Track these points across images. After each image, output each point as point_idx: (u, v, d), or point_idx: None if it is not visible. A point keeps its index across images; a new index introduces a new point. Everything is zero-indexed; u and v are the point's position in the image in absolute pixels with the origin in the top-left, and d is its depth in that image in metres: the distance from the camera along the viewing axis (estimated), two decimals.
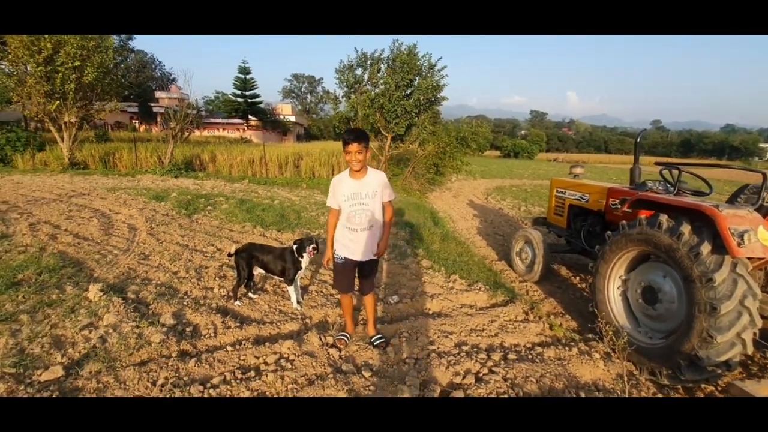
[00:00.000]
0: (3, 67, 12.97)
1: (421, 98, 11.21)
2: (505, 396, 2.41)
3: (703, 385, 2.75)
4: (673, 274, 2.87)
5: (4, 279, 3.58)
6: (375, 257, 2.83)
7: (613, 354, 2.92)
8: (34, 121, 16.73)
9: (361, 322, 3.28)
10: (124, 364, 2.47)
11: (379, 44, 16.07)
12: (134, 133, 27.28)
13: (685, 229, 2.69)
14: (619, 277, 3.35)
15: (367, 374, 2.53)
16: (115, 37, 28.73)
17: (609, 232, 3.40)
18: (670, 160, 3.71)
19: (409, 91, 11.50)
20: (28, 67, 12.55)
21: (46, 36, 12.00)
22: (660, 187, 3.63)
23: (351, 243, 2.75)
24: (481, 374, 2.64)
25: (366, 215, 2.69)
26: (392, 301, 3.68)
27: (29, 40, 11.98)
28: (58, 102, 12.81)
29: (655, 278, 3.01)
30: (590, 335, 3.34)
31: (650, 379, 2.82)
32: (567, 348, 3.08)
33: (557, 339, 3.30)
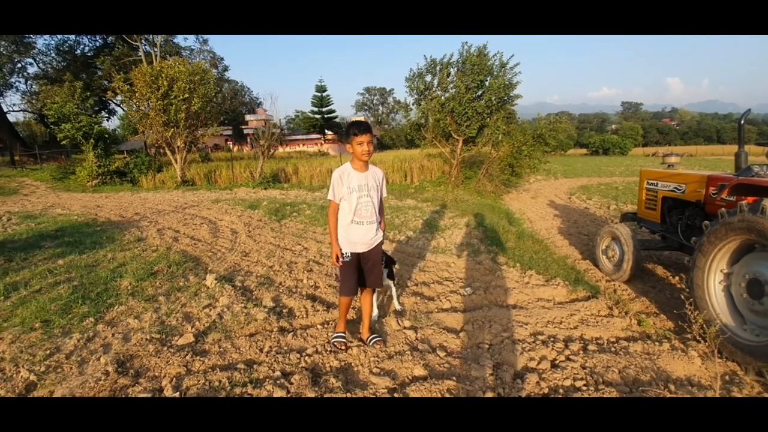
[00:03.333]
0: (132, 104, 15.69)
1: (493, 98, 11.03)
2: (582, 382, 2.39)
3: None
4: None
5: (145, 270, 4.46)
6: (380, 241, 2.82)
7: (702, 342, 2.65)
8: (153, 147, 19.86)
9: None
10: (237, 334, 2.97)
11: (448, 50, 16.04)
12: (230, 152, 30.80)
13: None
14: (721, 270, 3.05)
15: (441, 354, 2.69)
16: (214, 70, 32.89)
17: (707, 222, 3.13)
18: None
19: (480, 93, 11.39)
20: (150, 103, 15.03)
21: (163, 74, 14.29)
22: None
23: (357, 237, 2.71)
24: (557, 361, 2.64)
25: (372, 207, 2.72)
26: (465, 293, 3.78)
27: (150, 79, 14.37)
28: (173, 129, 15.10)
29: (761, 270, 2.70)
30: (688, 336, 3.08)
31: (757, 379, 2.54)
32: (657, 344, 2.90)
33: (646, 335, 3.10)
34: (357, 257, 2.76)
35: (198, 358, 2.63)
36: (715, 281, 3.05)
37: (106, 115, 35.71)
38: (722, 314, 2.96)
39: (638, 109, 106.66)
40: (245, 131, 44.83)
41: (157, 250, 5.47)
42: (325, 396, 2.24)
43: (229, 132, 45.28)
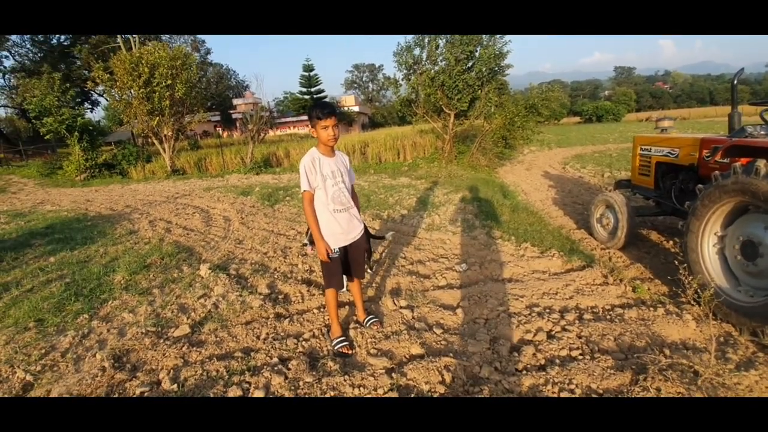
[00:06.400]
0: (114, 94, 15.26)
1: (484, 69, 10.77)
2: (578, 351, 2.41)
3: None
4: None
5: (138, 263, 4.42)
6: (362, 229, 2.71)
7: (696, 306, 2.66)
8: (141, 137, 19.45)
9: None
10: (233, 323, 2.96)
11: None
12: (219, 139, 30.29)
13: None
14: (715, 233, 3.04)
15: (438, 331, 2.70)
16: (195, 54, 31.88)
17: (700, 185, 3.10)
18: None
19: (470, 64, 11.12)
20: (132, 91, 14.62)
21: (143, 62, 13.84)
22: (762, 132, 3.19)
23: (342, 227, 2.56)
24: (553, 332, 2.65)
25: (346, 193, 2.59)
26: (461, 269, 3.78)
27: (131, 66, 13.92)
28: (158, 118, 14.75)
29: (755, 231, 2.69)
30: (682, 300, 3.10)
31: (752, 339, 2.57)
32: (652, 309, 2.92)
33: (641, 301, 3.12)
34: (344, 249, 2.62)
35: (195, 348, 2.62)
36: (709, 244, 3.04)
37: (90, 107, 34.71)
38: (716, 277, 2.96)
39: (631, 73, 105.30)
40: (234, 116, 43.89)
41: (150, 242, 5.41)
42: (323, 381, 2.24)
43: (218, 118, 44.29)
